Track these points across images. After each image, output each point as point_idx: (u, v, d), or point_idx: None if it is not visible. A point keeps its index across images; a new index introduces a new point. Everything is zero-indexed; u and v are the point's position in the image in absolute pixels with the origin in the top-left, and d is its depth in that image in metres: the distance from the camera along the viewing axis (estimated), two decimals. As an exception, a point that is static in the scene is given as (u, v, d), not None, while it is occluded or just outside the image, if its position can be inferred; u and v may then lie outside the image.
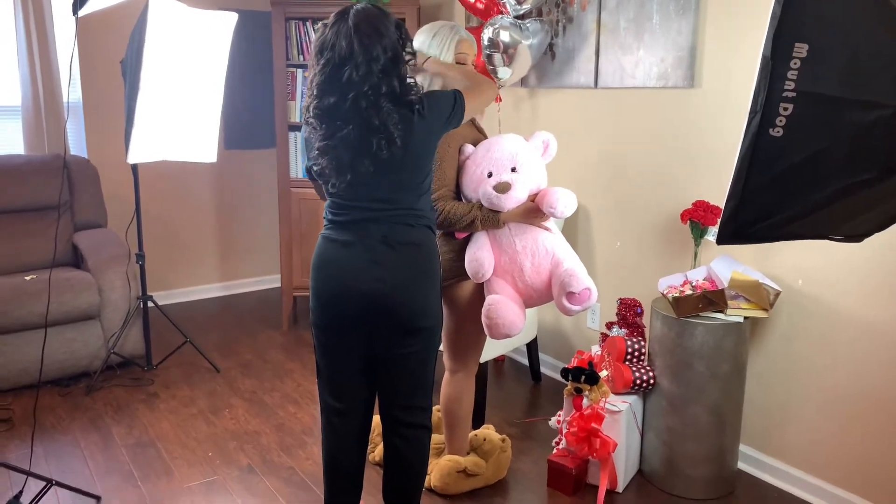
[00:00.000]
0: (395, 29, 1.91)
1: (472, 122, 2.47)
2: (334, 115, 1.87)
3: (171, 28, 3.20)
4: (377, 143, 1.87)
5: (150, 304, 3.70)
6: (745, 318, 2.55)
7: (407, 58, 1.93)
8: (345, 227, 1.99)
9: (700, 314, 2.54)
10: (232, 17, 3.46)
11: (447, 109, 2.02)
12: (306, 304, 4.77)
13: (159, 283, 4.67)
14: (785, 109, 1.19)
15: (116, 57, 3.69)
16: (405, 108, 1.90)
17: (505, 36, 3.26)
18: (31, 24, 3.92)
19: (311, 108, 1.91)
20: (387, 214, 1.97)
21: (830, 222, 1.34)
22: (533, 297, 2.37)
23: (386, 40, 1.87)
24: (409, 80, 1.92)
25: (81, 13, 2.79)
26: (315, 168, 1.98)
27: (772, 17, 1.15)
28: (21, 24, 3.92)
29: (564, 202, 2.26)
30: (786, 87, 1.18)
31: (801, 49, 1.15)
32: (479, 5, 3.47)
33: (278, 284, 4.84)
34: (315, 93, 1.90)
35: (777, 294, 2.53)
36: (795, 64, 1.16)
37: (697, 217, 2.71)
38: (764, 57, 1.17)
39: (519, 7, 3.22)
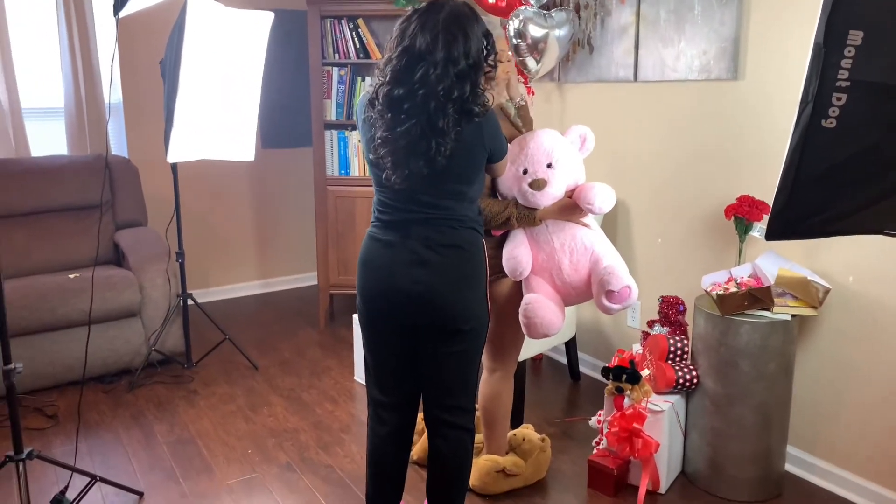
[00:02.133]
0: (482, 36, 1.88)
1: (509, 116, 2.45)
2: (399, 108, 1.85)
3: (209, 28, 3.24)
4: (436, 146, 1.84)
5: (189, 301, 3.76)
6: (793, 316, 2.48)
7: (487, 68, 1.90)
8: (389, 227, 1.99)
9: (745, 312, 2.49)
10: (268, 17, 3.49)
11: (498, 146, 2.03)
12: (343, 301, 4.80)
13: (198, 281, 4.74)
14: (838, 100, 1.15)
15: (156, 58, 3.75)
16: (468, 117, 1.87)
17: (533, 29, 3.22)
18: (73, 27, 4.01)
19: (379, 94, 1.87)
20: (432, 217, 1.95)
21: (886, 217, 1.29)
22: (572, 296, 2.34)
23: (471, 45, 1.84)
24: (479, 90, 1.89)
25: (122, 14, 2.84)
26: (371, 157, 1.96)
27: (824, 3, 1.11)
28: (63, 26, 4.01)
29: (602, 197, 2.22)
30: (839, 77, 1.14)
31: (856, 36, 1.11)
32: (501, 4, 3.43)
33: (315, 282, 4.88)
34: (387, 79, 1.86)
35: (826, 291, 2.46)
36: (850, 52, 1.12)
37: (742, 212, 2.65)
38: (816, 44, 1.13)
39: None
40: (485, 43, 1.89)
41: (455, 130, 1.85)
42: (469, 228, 2.01)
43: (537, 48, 3.25)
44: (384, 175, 1.93)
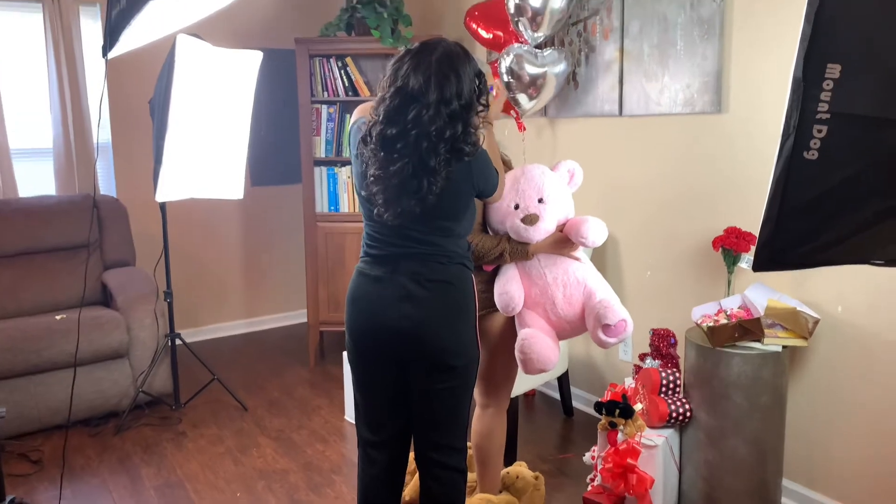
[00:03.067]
0: (474, 76, 1.90)
1: (498, 152, 2.47)
2: (392, 147, 1.87)
3: (198, 68, 3.27)
4: (427, 185, 1.85)
5: (177, 341, 3.73)
6: (784, 347, 2.49)
7: (479, 108, 1.92)
8: (378, 262, 2.00)
9: (736, 344, 2.49)
10: (257, 56, 3.53)
11: (485, 183, 2.03)
12: (333, 339, 4.77)
13: (187, 321, 4.71)
14: (819, 132, 1.17)
15: (145, 97, 3.78)
16: (458, 156, 1.89)
17: (529, 67, 3.27)
18: (62, 67, 4.04)
19: (373, 132, 1.89)
20: (421, 252, 1.96)
21: (871, 246, 1.30)
22: (566, 330, 2.34)
23: (463, 86, 1.86)
24: (471, 130, 1.90)
25: (111, 55, 2.86)
26: (363, 193, 1.97)
27: (802, 38, 1.13)
28: (53, 67, 4.04)
29: (595, 231, 2.24)
30: (819, 109, 1.16)
31: (834, 70, 1.13)
32: (487, 35, 3.48)
33: (305, 319, 4.86)
34: (380, 118, 1.88)
35: (816, 322, 2.47)
36: (828, 85, 1.14)
37: (730, 244, 2.67)
38: (795, 78, 1.15)
39: (536, 35, 3.22)
40: (477, 83, 1.91)
41: (446, 170, 1.86)
42: (458, 264, 2.01)
43: (535, 85, 3.29)
44: (375, 211, 1.94)
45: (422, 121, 1.82)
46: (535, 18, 3.17)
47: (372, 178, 1.90)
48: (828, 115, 1.16)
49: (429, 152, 1.84)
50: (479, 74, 1.93)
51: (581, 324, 2.33)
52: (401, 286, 1.95)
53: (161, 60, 3.37)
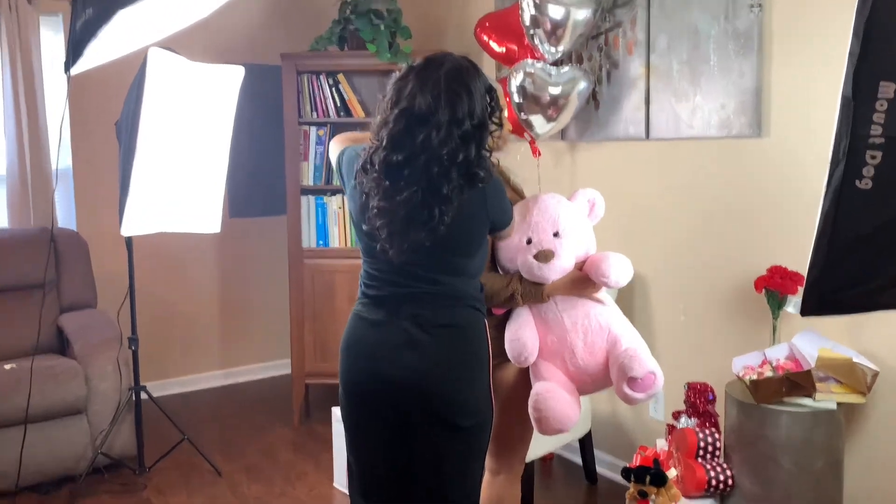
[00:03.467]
0: (486, 92, 1.93)
1: (508, 180, 2.49)
2: (399, 175, 1.88)
3: (172, 84, 3.32)
4: (438, 214, 1.87)
5: (143, 395, 3.71)
6: (839, 403, 2.47)
7: (492, 128, 1.95)
8: (377, 304, 2.00)
9: (784, 400, 2.48)
10: (238, 72, 3.58)
11: (501, 215, 2.07)
12: (321, 393, 4.74)
13: (154, 371, 4.67)
14: (873, 158, 1.18)
15: (111, 118, 3.82)
16: (471, 183, 1.91)
17: (543, 86, 3.29)
18: (18, 85, 4.10)
19: (375, 160, 1.91)
20: (426, 292, 1.97)
21: (935, 288, 1.31)
22: (587, 383, 2.33)
23: (475, 104, 1.89)
24: (485, 153, 1.94)
25: (74, 71, 2.91)
26: (365, 227, 1.98)
27: (850, 55, 1.15)
28: (9, 84, 4.10)
29: (618, 269, 2.23)
30: (872, 133, 1.17)
31: (888, 88, 1.15)
32: (499, 48, 3.51)
33: (288, 371, 4.83)
34: (384, 144, 1.89)
35: (875, 375, 2.46)
36: (882, 105, 1.16)
37: (774, 285, 2.67)
38: (844, 97, 1.17)
39: (554, 50, 3.26)
40: (488, 100, 1.94)
41: (459, 197, 1.88)
42: (468, 307, 2.02)
43: (556, 105, 3.31)
44: (379, 247, 1.95)
45: (432, 144, 1.84)
46: (555, 31, 3.19)
47: (375, 211, 1.92)
48: (882, 140, 1.17)
49: (441, 178, 1.86)
50: (491, 90, 1.96)
51: (605, 376, 2.31)
52: (402, 331, 1.95)
53: (130, 77, 3.42)
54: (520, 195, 2.50)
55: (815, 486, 2.45)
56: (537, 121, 3.37)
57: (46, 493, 3.49)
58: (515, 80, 3.34)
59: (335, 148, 2.20)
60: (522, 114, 3.37)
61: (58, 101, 4.26)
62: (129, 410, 3.68)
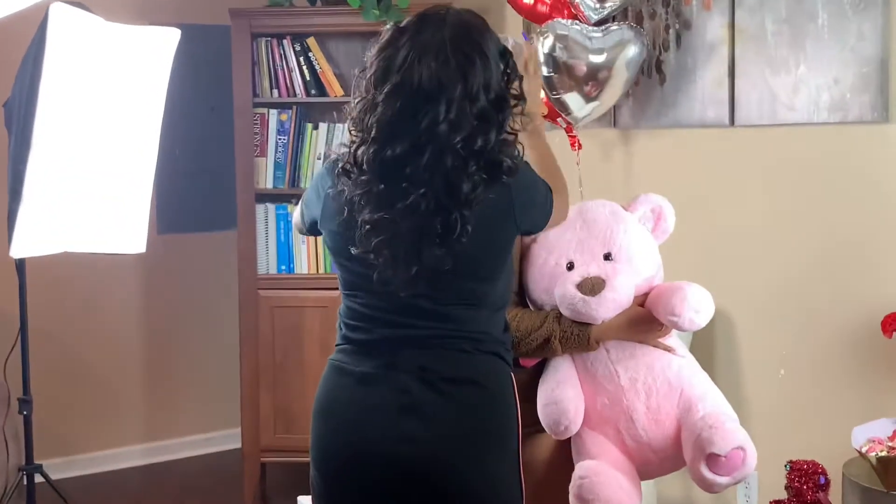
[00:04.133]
0: (500, 55, 1.93)
1: (549, 152, 2.48)
2: (398, 174, 1.86)
3: (81, 52, 3.31)
4: (461, 224, 1.84)
5: (38, 477, 3.69)
6: None
7: (512, 102, 1.94)
8: (365, 352, 1.99)
9: (924, 485, 2.46)
10: (172, 35, 3.58)
11: (533, 218, 2.07)
12: (282, 475, 4.72)
13: (54, 446, 4.66)
14: None
15: (-1, 99, 3.83)
16: (496, 174, 1.89)
17: (581, 53, 3.29)
18: None
19: (361, 157, 1.89)
20: (434, 334, 1.96)
21: None
22: (652, 463, 2.32)
23: (491, 72, 1.88)
24: (508, 136, 1.93)
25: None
26: (355, 250, 1.94)
27: None
28: None
29: (694, 305, 2.21)
30: None
31: None
32: (542, 7, 3.52)
33: (238, 444, 4.82)
34: (372, 134, 1.88)
35: None
36: None
37: (909, 327, 2.66)
38: None
39: (601, 7, 3.25)
40: (505, 63, 1.94)
41: (481, 197, 1.86)
42: (490, 353, 2.00)
43: (596, 78, 3.32)
44: (376, 277, 1.92)
45: (439, 130, 1.83)
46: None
47: (368, 227, 1.89)
48: None
49: (458, 173, 1.84)
50: (504, 52, 1.96)
51: (675, 453, 2.30)
52: (401, 390, 1.93)
53: (23, 44, 3.42)
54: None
55: None
56: (573, 100, 3.38)
57: None
58: (543, 48, 3.34)
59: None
60: (553, 92, 3.37)
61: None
62: (19, 497, 3.66)
